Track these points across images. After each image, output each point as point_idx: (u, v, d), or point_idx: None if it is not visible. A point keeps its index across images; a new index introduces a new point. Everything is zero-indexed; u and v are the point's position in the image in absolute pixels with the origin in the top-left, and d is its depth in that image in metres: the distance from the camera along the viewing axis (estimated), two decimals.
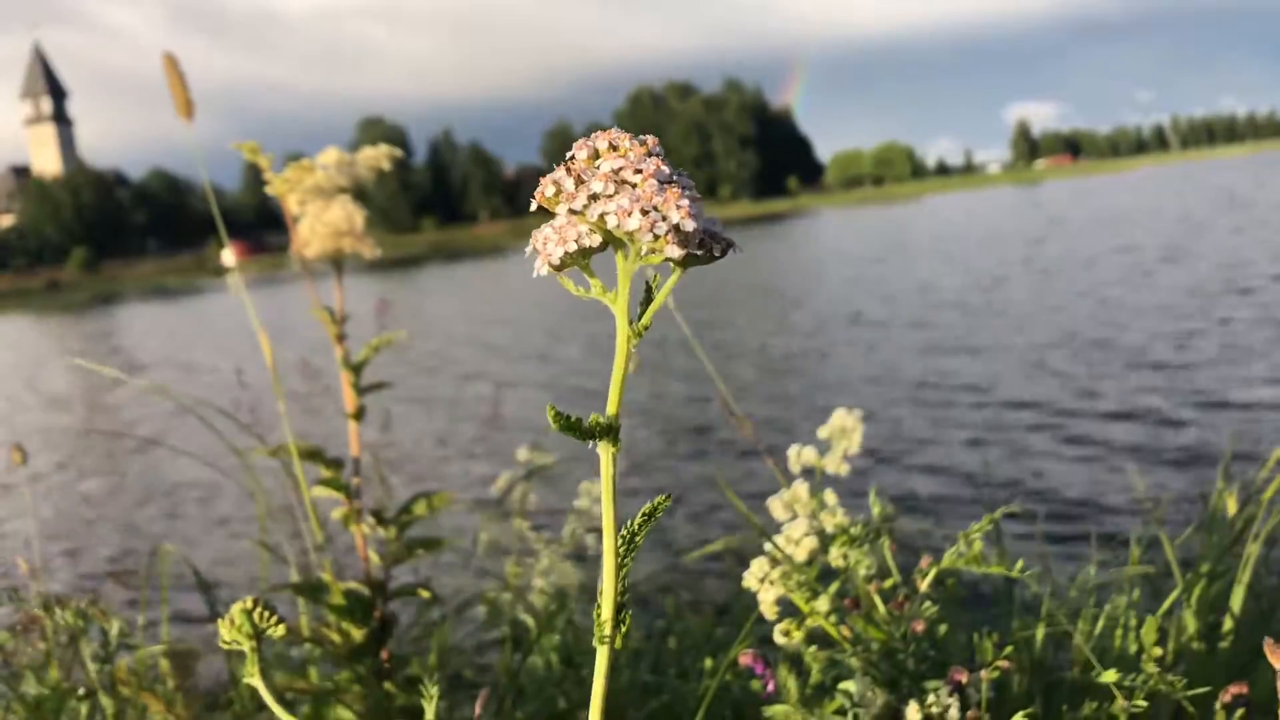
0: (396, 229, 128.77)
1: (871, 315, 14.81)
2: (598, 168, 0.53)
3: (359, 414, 1.43)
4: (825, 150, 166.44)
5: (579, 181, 0.52)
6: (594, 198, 0.52)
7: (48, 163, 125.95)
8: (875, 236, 38.47)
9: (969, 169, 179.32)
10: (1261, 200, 30.57)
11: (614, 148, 0.55)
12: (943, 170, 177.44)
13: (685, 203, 0.50)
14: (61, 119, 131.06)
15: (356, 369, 1.43)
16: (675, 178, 0.54)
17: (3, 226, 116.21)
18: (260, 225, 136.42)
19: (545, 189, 0.54)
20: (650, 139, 0.56)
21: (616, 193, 0.51)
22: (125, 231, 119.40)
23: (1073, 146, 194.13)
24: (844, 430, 1.55)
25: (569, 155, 0.55)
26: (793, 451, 1.57)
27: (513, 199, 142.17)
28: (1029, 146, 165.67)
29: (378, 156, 1.44)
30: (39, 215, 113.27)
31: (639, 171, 0.52)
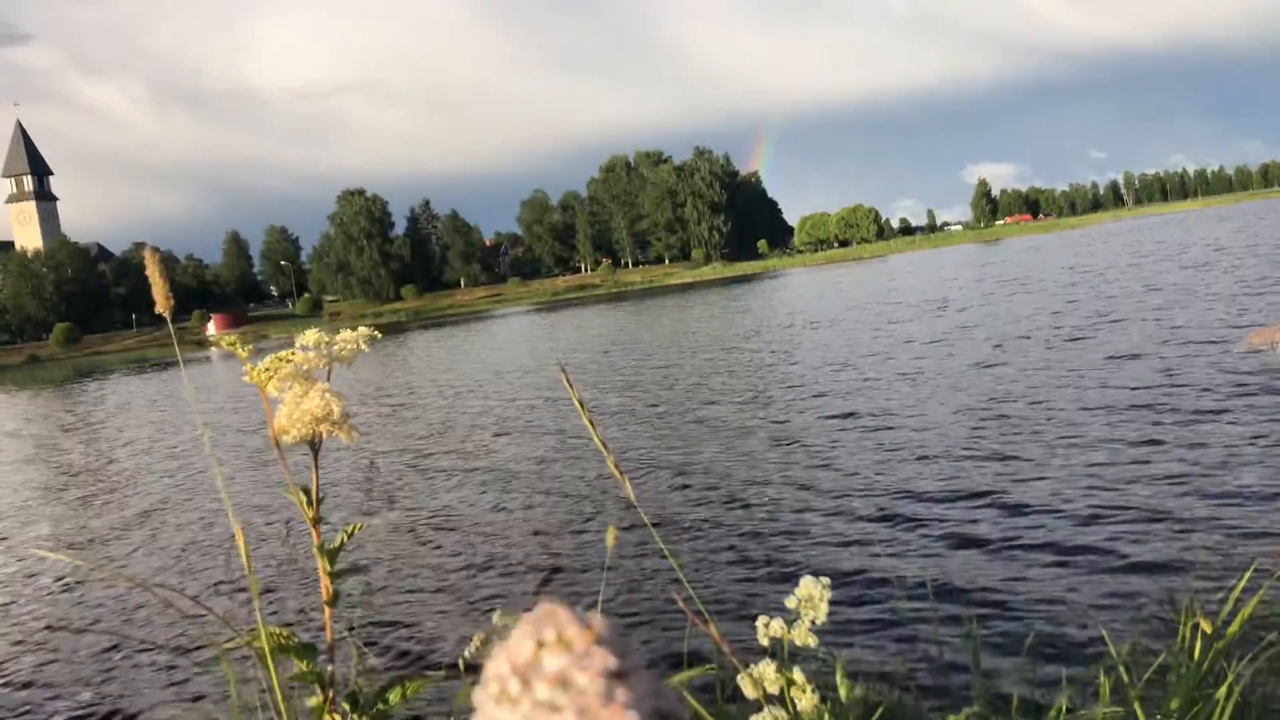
0: (378, 298, 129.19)
1: (809, 385, 14.86)
2: (542, 663, 0.45)
3: (334, 600, 1.45)
4: (793, 213, 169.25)
5: (524, 683, 0.44)
6: (537, 705, 0.45)
7: (30, 239, 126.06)
8: (836, 295, 38.96)
9: (932, 229, 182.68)
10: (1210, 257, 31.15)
11: (560, 639, 0.47)
12: (907, 230, 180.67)
13: (633, 714, 0.40)
14: (44, 196, 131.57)
15: (331, 555, 1.45)
16: (624, 665, 0.45)
17: None
18: (242, 297, 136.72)
19: (489, 684, 0.46)
20: (596, 622, 0.46)
21: (562, 693, 0.41)
22: (107, 305, 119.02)
23: (1032, 205, 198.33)
24: (811, 600, 1.57)
25: (513, 642, 0.48)
26: (760, 623, 1.60)
27: (491, 266, 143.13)
28: (989, 206, 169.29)
29: (356, 338, 1.49)
30: (20, 291, 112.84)
31: (584, 670, 0.43)
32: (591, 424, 1.44)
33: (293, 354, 1.58)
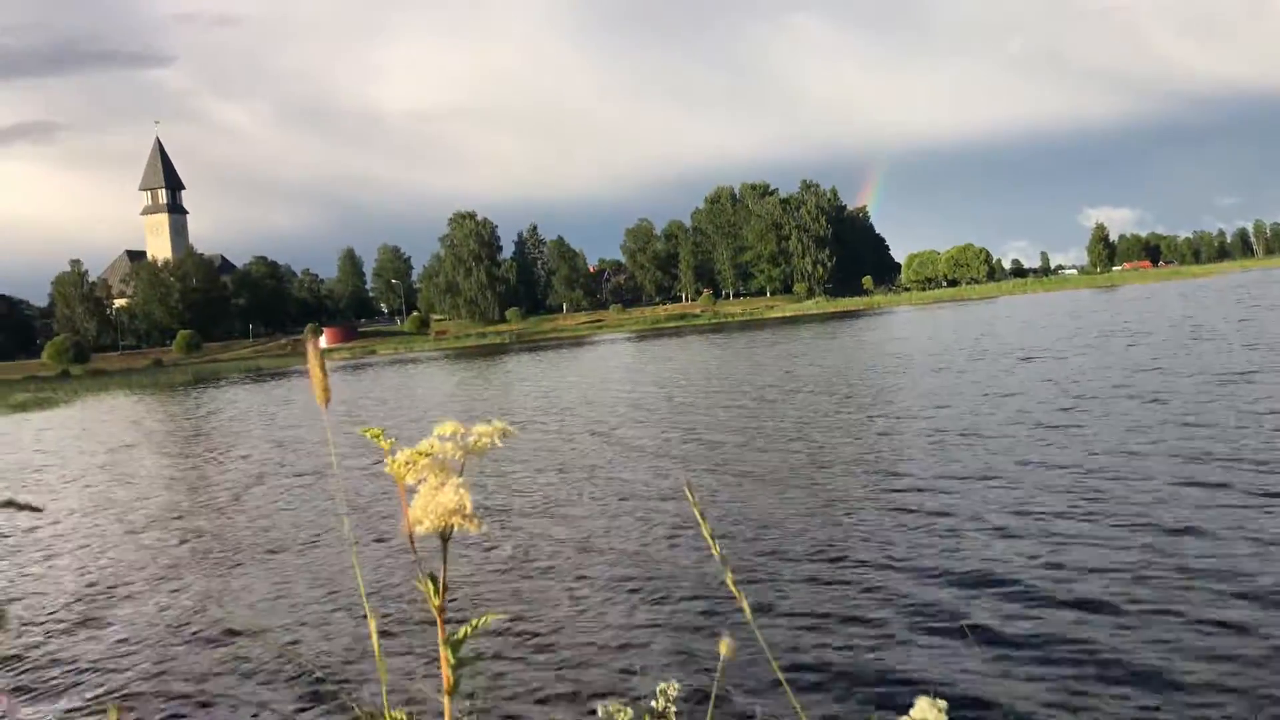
0: (483, 319, 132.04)
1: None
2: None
3: (454, 688, 1.52)
4: (900, 250, 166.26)
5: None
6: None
7: (161, 249, 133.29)
8: (941, 336, 37.78)
9: (1045, 272, 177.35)
10: None
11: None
12: (1019, 272, 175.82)
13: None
14: (176, 209, 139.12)
15: (455, 646, 1.53)
16: None
17: (117, 308, 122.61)
18: (354, 312, 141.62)
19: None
20: None
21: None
22: (227, 315, 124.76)
23: (1152, 251, 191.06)
24: None
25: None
26: None
27: (593, 292, 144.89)
28: (1107, 251, 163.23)
29: (490, 432, 1.57)
30: (149, 298, 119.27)
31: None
32: (711, 538, 1.49)
33: (431, 446, 1.68)
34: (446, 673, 1.71)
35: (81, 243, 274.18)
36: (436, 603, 1.79)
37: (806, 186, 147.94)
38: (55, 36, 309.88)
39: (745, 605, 1.68)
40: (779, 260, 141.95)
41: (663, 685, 3.06)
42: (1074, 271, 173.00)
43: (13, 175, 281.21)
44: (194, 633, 8.10)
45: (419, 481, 1.77)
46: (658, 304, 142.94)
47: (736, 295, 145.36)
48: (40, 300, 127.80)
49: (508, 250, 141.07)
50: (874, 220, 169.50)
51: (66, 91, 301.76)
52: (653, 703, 3.00)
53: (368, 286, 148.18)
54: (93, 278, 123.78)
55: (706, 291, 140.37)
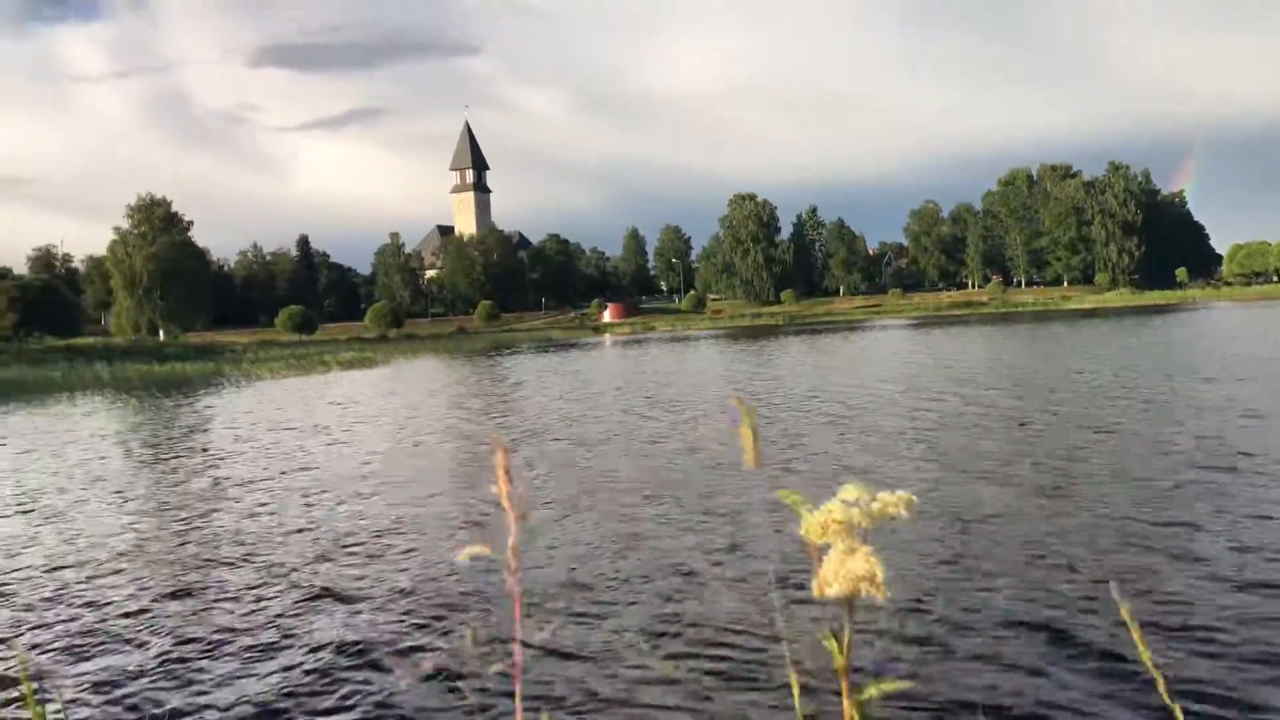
0: (758, 299, 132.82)
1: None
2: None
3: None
4: (1222, 241, 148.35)
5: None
6: None
7: (466, 225, 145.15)
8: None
9: None
10: None
11: None
12: None
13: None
14: (481, 188, 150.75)
15: (860, 706, 1.62)
16: None
17: (428, 278, 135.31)
18: (636, 289, 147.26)
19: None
20: None
21: None
22: (522, 288, 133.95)
23: None
24: None
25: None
26: None
27: (872, 276, 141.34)
28: None
29: (895, 502, 1.64)
30: (456, 270, 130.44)
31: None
32: (1135, 626, 1.49)
33: (839, 510, 1.79)
34: (848, 701, 1.83)
35: (399, 217, 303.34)
36: (841, 661, 1.92)
37: (1114, 168, 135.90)
38: (385, 29, 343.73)
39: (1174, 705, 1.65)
40: (1078, 247, 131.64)
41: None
42: None
43: (347, 156, 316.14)
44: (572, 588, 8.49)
45: (828, 545, 1.90)
46: (940, 290, 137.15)
47: (1029, 283, 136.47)
48: (364, 269, 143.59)
49: (786, 231, 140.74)
50: (1191, 206, 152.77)
51: (391, 79, 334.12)
52: None
53: (649, 265, 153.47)
54: (408, 250, 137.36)
55: (995, 278, 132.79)
